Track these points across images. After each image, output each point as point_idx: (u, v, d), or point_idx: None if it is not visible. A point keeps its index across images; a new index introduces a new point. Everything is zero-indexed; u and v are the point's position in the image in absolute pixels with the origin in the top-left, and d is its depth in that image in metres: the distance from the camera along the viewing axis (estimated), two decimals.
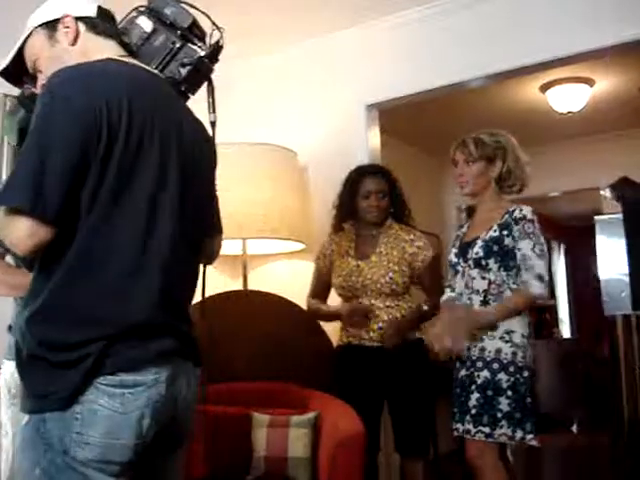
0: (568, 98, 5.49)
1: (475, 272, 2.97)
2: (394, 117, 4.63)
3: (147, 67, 1.80)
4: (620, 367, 5.04)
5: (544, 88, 5.47)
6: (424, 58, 4.06)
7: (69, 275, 1.56)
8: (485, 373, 2.86)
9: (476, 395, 2.86)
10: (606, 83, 5.44)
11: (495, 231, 2.95)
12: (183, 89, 1.87)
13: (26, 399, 1.60)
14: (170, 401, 1.64)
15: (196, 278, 1.86)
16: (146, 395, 1.56)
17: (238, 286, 4.16)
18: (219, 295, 3.71)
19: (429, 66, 4.03)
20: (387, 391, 3.40)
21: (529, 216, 2.92)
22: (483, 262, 2.95)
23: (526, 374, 2.85)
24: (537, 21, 3.73)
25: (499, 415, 2.81)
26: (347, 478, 2.88)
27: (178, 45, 1.84)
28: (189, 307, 1.82)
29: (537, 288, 2.86)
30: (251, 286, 4.06)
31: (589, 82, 5.39)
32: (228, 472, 3.12)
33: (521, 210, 2.94)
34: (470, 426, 2.86)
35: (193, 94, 1.93)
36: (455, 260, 3.11)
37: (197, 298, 3.38)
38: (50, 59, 1.78)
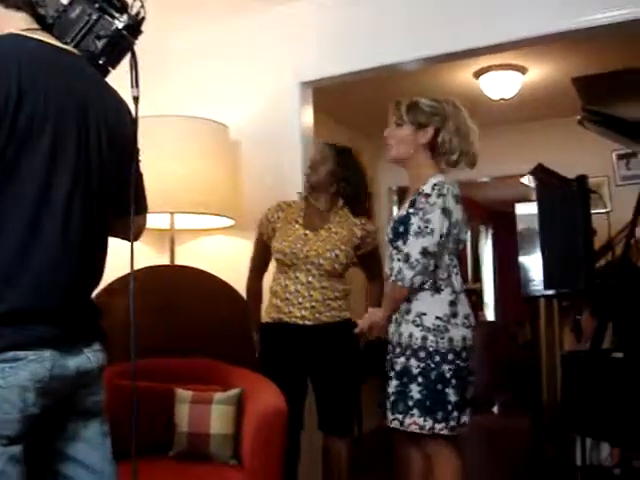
0: (501, 85, 5.56)
1: (393, 253, 2.90)
2: (328, 96, 4.62)
3: (55, 42, 1.73)
4: (541, 351, 5.14)
5: (477, 74, 5.52)
6: (360, 38, 4.04)
7: None
8: (401, 359, 2.78)
9: (395, 382, 2.80)
10: (539, 71, 5.52)
11: (405, 209, 2.87)
12: (101, 62, 1.81)
13: None
14: (60, 377, 1.62)
15: (101, 260, 1.83)
16: (29, 369, 1.54)
17: (165, 261, 4.10)
18: (145, 269, 3.66)
19: (365, 46, 4.02)
20: (312, 368, 3.40)
21: (426, 190, 2.78)
22: (394, 243, 2.88)
23: (437, 359, 2.71)
24: (472, 7, 3.75)
25: (410, 403, 2.73)
26: (269, 455, 2.89)
27: (95, 17, 1.78)
28: (90, 289, 1.80)
29: (408, 275, 2.72)
30: (178, 261, 4.02)
31: (522, 70, 5.46)
32: (150, 448, 3.08)
33: (425, 184, 2.80)
34: (389, 413, 2.81)
35: (114, 68, 1.87)
36: (385, 239, 3.02)
37: (121, 272, 3.31)
38: None
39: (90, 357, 1.73)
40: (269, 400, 3.01)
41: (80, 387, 1.72)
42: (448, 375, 2.71)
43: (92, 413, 1.81)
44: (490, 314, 10.82)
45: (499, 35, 3.68)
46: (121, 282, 3.49)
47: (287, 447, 2.99)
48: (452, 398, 2.70)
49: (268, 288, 3.56)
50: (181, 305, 3.57)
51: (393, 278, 2.79)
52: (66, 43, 1.76)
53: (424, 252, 2.70)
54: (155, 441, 3.11)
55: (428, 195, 2.76)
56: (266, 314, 3.50)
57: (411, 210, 2.82)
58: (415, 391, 2.71)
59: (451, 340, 2.73)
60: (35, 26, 1.73)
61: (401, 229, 2.84)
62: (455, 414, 2.71)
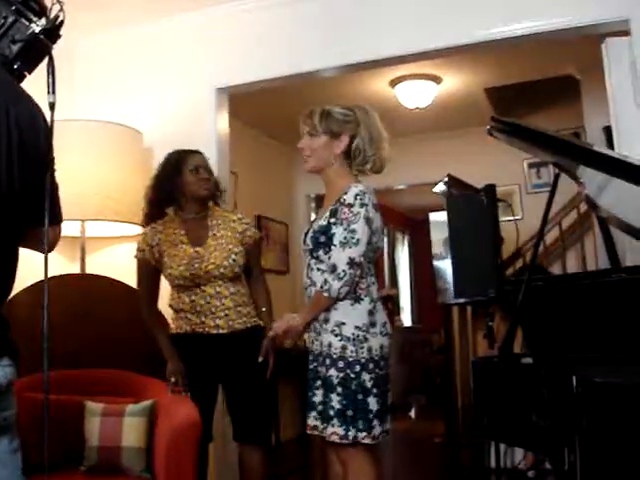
0: (415, 94, 5.65)
1: (313, 263, 2.86)
2: (245, 102, 4.61)
3: None
4: (455, 356, 5.23)
5: (393, 83, 5.60)
6: (277, 45, 4.04)
7: None
8: (322, 369, 2.76)
9: (321, 391, 2.76)
10: (453, 81, 5.63)
11: (325, 219, 2.81)
12: (16, 67, 1.74)
13: None
14: None
15: (11, 271, 1.77)
16: None
17: (76, 269, 4.01)
18: (55, 278, 3.56)
19: (281, 53, 4.03)
20: (225, 377, 3.35)
21: (348, 200, 2.73)
22: (314, 254, 2.84)
23: (357, 369, 2.67)
24: (389, 17, 3.79)
25: (331, 413, 2.69)
26: (181, 467, 2.84)
27: (10, 20, 1.71)
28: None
29: (335, 285, 2.68)
30: (89, 270, 3.92)
31: (436, 80, 5.56)
32: (60, 462, 3.00)
33: (346, 193, 2.75)
34: (318, 422, 2.77)
35: (29, 73, 1.80)
36: (302, 247, 2.97)
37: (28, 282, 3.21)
38: None
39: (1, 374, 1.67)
40: (182, 412, 2.96)
41: None
42: (369, 384, 2.69)
43: (1, 429, 1.76)
44: (407, 319, 10.97)
45: (414, 45, 3.74)
46: (27, 292, 3.38)
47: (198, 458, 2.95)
48: (373, 407, 2.69)
49: (165, 306, 3.46)
50: (92, 315, 3.49)
51: (319, 289, 2.75)
52: None
53: (351, 263, 2.68)
54: (65, 455, 3.02)
55: (351, 205, 2.72)
56: (176, 327, 3.39)
57: (332, 220, 2.78)
58: (335, 401, 2.69)
59: (370, 349, 2.70)
60: None
61: (322, 239, 2.79)
62: (376, 422, 2.70)
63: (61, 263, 4.18)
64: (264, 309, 3.38)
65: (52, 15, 1.77)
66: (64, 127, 3.71)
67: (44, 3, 1.79)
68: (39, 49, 1.76)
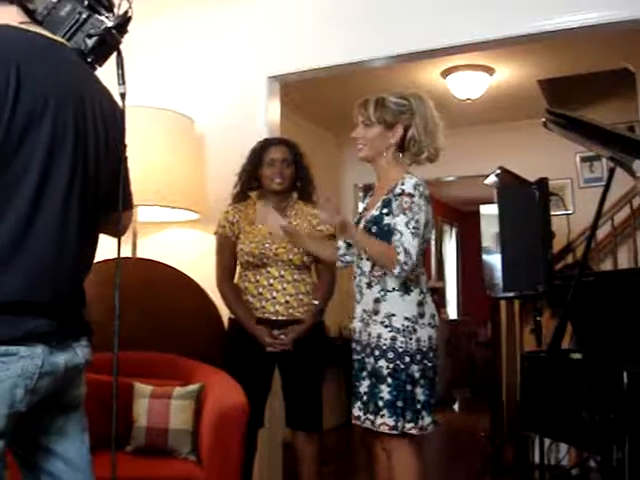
0: (467, 85, 5.59)
1: (362, 252, 2.85)
2: (295, 91, 4.61)
3: (49, 35, 1.73)
4: (501, 351, 5.18)
5: (445, 73, 5.55)
6: (329, 33, 4.03)
7: None
8: (371, 359, 2.76)
9: (367, 382, 2.76)
10: (506, 73, 5.56)
11: (377, 209, 2.80)
12: (89, 60, 1.82)
13: None
14: (50, 373, 1.62)
15: (92, 253, 1.85)
16: (20, 365, 1.54)
17: (127, 254, 4.06)
18: (106, 262, 3.62)
19: (333, 42, 4.01)
20: (282, 364, 3.39)
21: (408, 190, 2.71)
22: None
23: (407, 360, 2.67)
24: (442, 6, 3.76)
25: (380, 404, 2.69)
26: (227, 452, 2.87)
27: (84, 15, 1.79)
28: (81, 284, 1.80)
29: (401, 258, 2.63)
30: (140, 254, 3.97)
31: (489, 71, 5.50)
32: (108, 442, 3.05)
33: (403, 184, 2.73)
34: (360, 413, 2.78)
35: (100, 66, 1.88)
36: None
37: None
38: None
39: (78, 352, 1.73)
40: (229, 396, 2.99)
41: (67, 383, 1.72)
42: (417, 375, 2.69)
43: (73, 407, 1.82)
44: (452, 312, 10.91)
45: (467, 35, 3.69)
46: (98, 273, 3.46)
47: (246, 443, 2.98)
48: (421, 398, 2.70)
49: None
50: (143, 298, 3.53)
51: (400, 259, 2.65)
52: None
53: (420, 251, 2.71)
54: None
55: (412, 195, 2.71)
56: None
57: (385, 210, 2.77)
58: (385, 392, 2.69)
59: (419, 340, 2.70)
60: (26, 19, 1.74)
61: (374, 229, 2.78)
62: (424, 413, 2.70)
63: (113, 247, 4.24)
64: (316, 302, 3.39)
65: (119, 10, 1.86)
66: None
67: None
68: (110, 43, 1.84)
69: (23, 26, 1.70)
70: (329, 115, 6.35)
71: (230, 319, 3.48)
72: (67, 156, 1.64)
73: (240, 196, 3.57)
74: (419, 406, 2.69)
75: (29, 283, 1.56)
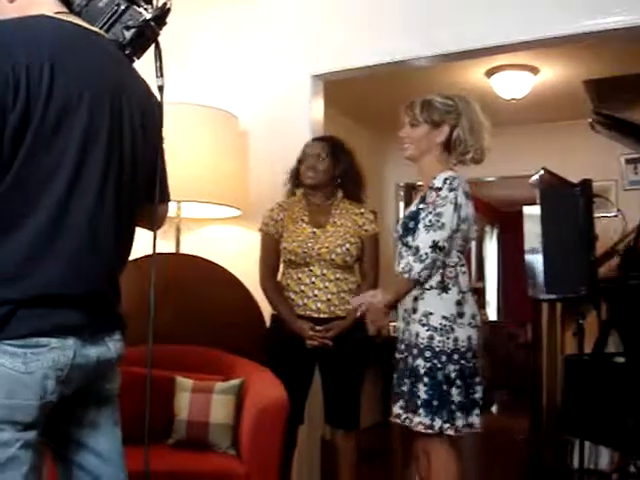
0: (512, 85, 5.55)
1: (403, 250, 2.87)
2: (338, 89, 4.60)
3: (87, 25, 1.72)
4: (542, 353, 5.13)
5: (489, 73, 5.52)
6: (373, 33, 4.03)
7: None
8: (409, 358, 2.77)
9: (408, 381, 2.77)
10: (551, 73, 5.51)
11: (415, 205, 2.85)
12: (127, 52, 1.81)
13: None
14: (81, 366, 1.62)
15: (127, 248, 1.85)
16: (51, 356, 1.54)
17: (170, 249, 4.11)
18: (150, 257, 3.66)
19: (378, 42, 4.01)
20: (322, 362, 3.41)
21: (437, 184, 2.75)
22: (403, 240, 2.86)
23: (444, 359, 2.68)
24: (486, 6, 3.73)
25: (418, 402, 2.70)
26: (267, 447, 2.89)
27: (123, 7, 1.78)
28: (116, 277, 1.80)
29: (415, 268, 2.68)
30: (183, 250, 4.02)
31: (533, 70, 5.45)
32: (149, 434, 3.09)
33: (437, 179, 2.77)
34: (401, 411, 2.79)
35: (138, 58, 1.87)
36: (394, 235, 3.01)
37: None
38: None
39: (110, 346, 1.73)
40: (270, 392, 3.01)
41: (98, 376, 1.73)
42: (453, 375, 2.69)
43: (106, 401, 1.82)
44: (492, 313, 10.83)
45: (512, 35, 3.67)
46: (128, 269, 3.50)
47: (285, 440, 3.00)
48: (456, 398, 2.69)
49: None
50: (185, 293, 3.57)
51: (400, 270, 2.76)
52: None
53: (434, 246, 2.68)
54: (154, 428, 3.10)
55: (439, 189, 2.74)
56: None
57: (421, 205, 2.81)
58: (422, 391, 2.70)
59: (456, 340, 2.70)
60: (63, 9, 1.72)
61: (411, 224, 2.82)
62: (459, 414, 2.70)
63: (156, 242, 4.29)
64: None
65: (159, 2, 1.83)
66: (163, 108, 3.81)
67: None
68: (148, 35, 1.82)
69: (59, 16, 1.68)
70: (372, 114, 6.34)
71: (272, 316, 3.51)
72: (101, 151, 1.63)
73: (288, 194, 3.61)
74: (453, 406, 2.69)
75: (60, 276, 1.56)
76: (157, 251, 3.78)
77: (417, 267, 2.70)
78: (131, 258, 3.54)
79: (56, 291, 1.55)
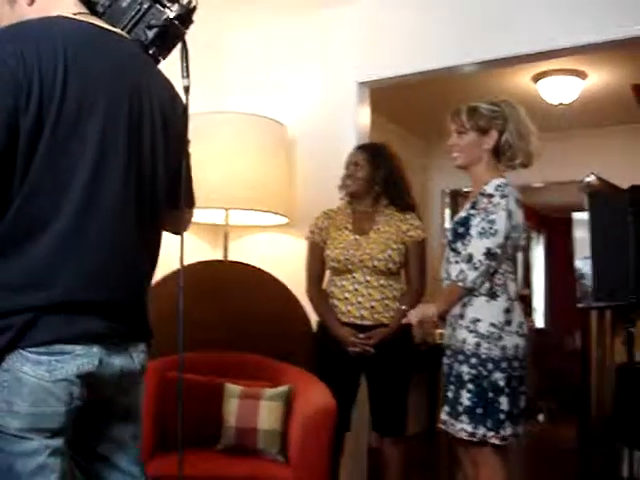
0: (560, 90, 5.50)
1: (451, 256, 2.87)
2: (384, 96, 4.61)
3: (106, 25, 1.70)
4: (591, 361, 5.07)
5: (536, 78, 5.47)
6: (419, 40, 4.02)
7: (2, 244, 1.51)
8: (455, 364, 2.77)
9: (452, 387, 2.77)
10: (598, 77, 5.45)
11: (465, 211, 2.84)
12: (151, 52, 1.79)
13: None
14: (106, 374, 1.61)
15: (153, 253, 1.80)
16: (76, 363, 1.53)
17: (218, 256, 4.15)
18: (198, 264, 3.71)
19: (423, 48, 4.00)
20: (368, 370, 3.41)
21: (489, 191, 2.75)
22: (452, 245, 2.85)
23: (490, 367, 2.66)
24: (532, 11, 3.70)
25: (460, 409, 2.70)
26: (316, 453, 2.91)
27: (146, 6, 1.76)
28: (143, 285, 1.76)
29: (470, 276, 2.68)
30: (231, 257, 4.05)
31: (581, 75, 5.39)
32: (198, 441, 3.12)
33: (489, 185, 2.77)
34: (447, 417, 2.78)
35: (164, 58, 1.85)
36: (442, 241, 3.01)
37: (174, 266, 3.33)
38: (12, 22, 1.66)
39: (134, 358, 1.70)
40: (318, 399, 3.03)
41: (122, 389, 1.70)
42: (501, 384, 2.67)
43: (128, 415, 1.79)
44: (539, 321, 10.70)
45: (559, 40, 3.63)
46: (174, 275, 3.55)
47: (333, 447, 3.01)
48: (505, 407, 2.67)
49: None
50: (233, 300, 3.61)
51: (454, 278, 2.75)
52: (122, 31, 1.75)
53: (488, 253, 2.67)
54: (203, 434, 3.14)
55: (491, 196, 2.73)
56: None
57: (472, 211, 2.80)
58: (465, 398, 2.69)
59: (504, 348, 2.68)
60: (84, 10, 1.70)
61: (460, 230, 2.82)
62: (507, 424, 2.67)
63: (204, 249, 4.35)
64: (403, 307, 3.32)
65: (184, 1, 1.79)
66: (211, 118, 3.87)
67: None
68: (173, 34, 1.79)
69: (78, 17, 1.65)
70: (418, 120, 6.33)
71: (319, 323, 3.52)
72: (120, 153, 1.60)
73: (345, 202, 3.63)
74: (502, 415, 2.67)
75: (83, 283, 1.53)
76: (205, 259, 3.84)
77: (471, 275, 2.69)
78: (178, 266, 3.59)
79: (79, 298, 1.53)
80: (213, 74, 4.51)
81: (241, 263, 3.85)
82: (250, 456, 3.08)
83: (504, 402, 2.67)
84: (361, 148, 3.62)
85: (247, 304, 3.60)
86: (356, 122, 4.20)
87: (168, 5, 1.77)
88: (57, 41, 1.53)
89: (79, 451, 1.71)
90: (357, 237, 3.44)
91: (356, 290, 3.38)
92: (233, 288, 3.65)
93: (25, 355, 1.48)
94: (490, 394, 2.66)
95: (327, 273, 3.57)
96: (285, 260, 4.11)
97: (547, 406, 8.63)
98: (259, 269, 3.74)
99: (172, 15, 1.77)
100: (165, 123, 1.74)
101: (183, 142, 1.82)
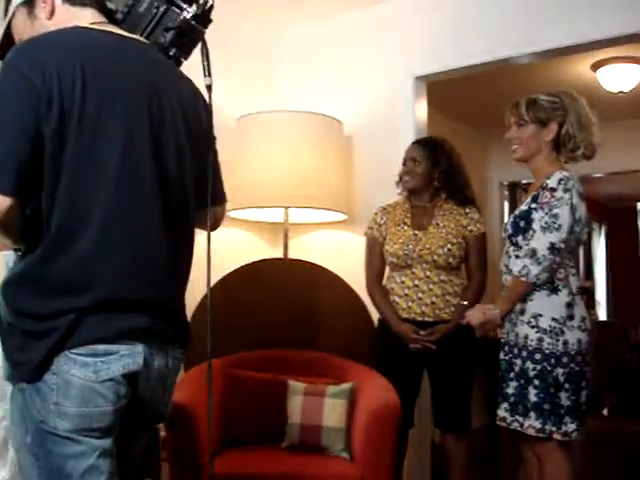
0: (619, 78, 5.39)
1: (511, 250, 2.84)
2: (440, 90, 4.58)
3: (122, 32, 1.75)
4: None
5: (595, 67, 5.37)
6: (475, 32, 3.98)
7: (43, 247, 1.56)
8: (518, 361, 2.74)
9: (514, 383, 2.75)
10: None
11: (527, 204, 2.81)
12: (172, 54, 1.83)
13: (8, 367, 1.62)
14: (149, 374, 1.65)
15: (187, 252, 1.83)
16: (121, 363, 1.57)
17: (278, 254, 4.17)
18: (259, 262, 3.74)
19: (479, 40, 3.96)
20: (430, 366, 3.40)
21: (551, 184, 2.71)
22: (513, 239, 2.82)
23: (553, 362, 2.64)
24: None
25: (528, 405, 2.68)
26: (380, 450, 2.90)
27: (162, 9, 1.80)
28: (180, 285, 1.79)
29: (533, 271, 2.65)
30: (292, 254, 4.07)
31: None
32: (263, 438, 3.15)
33: (549, 178, 2.73)
34: (507, 414, 2.77)
35: (185, 59, 1.89)
36: (502, 235, 2.96)
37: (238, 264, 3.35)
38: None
39: (170, 362, 1.74)
40: (382, 396, 3.02)
41: (157, 392, 1.73)
42: (562, 379, 2.65)
43: (153, 417, 1.82)
44: (602, 313, 10.52)
45: (618, 28, 3.55)
46: (238, 274, 3.59)
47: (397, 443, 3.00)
48: (565, 403, 2.65)
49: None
50: (294, 297, 3.64)
51: (516, 274, 2.72)
52: (141, 36, 1.79)
53: (552, 248, 2.64)
54: (267, 431, 3.17)
55: (554, 189, 2.69)
56: None
57: (533, 205, 2.76)
58: (532, 394, 2.67)
59: (566, 343, 2.66)
60: (102, 20, 1.76)
61: (522, 224, 2.78)
62: (568, 419, 2.65)
63: (265, 248, 4.38)
64: (464, 302, 3.30)
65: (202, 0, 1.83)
66: (267, 118, 3.90)
67: None
68: (192, 35, 1.83)
69: (94, 26, 1.71)
70: (474, 113, 6.27)
71: (380, 320, 3.51)
72: (144, 154, 1.64)
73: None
74: (562, 411, 2.65)
75: (119, 282, 1.58)
76: (266, 257, 3.86)
77: (535, 270, 2.66)
78: (239, 265, 3.65)
79: (117, 296, 1.57)
80: (264, 73, 4.54)
81: (301, 261, 3.87)
82: (315, 453, 3.09)
83: (564, 398, 2.65)
84: (419, 143, 3.59)
85: (308, 301, 3.63)
86: (413, 117, 4.17)
87: (184, 7, 1.80)
88: (74, 49, 1.60)
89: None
90: (416, 232, 3.42)
91: (416, 286, 3.36)
92: (294, 285, 3.68)
93: (72, 358, 1.53)
94: (552, 389, 2.65)
95: (387, 269, 3.56)
96: (345, 257, 4.11)
97: (611, 399, 8.49)
98: (319, 266, 3.75)
99: (189, 16, 1.80)
100: (187, 123, 1.78)
101: (208, 141, 1.85)
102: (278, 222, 4.16)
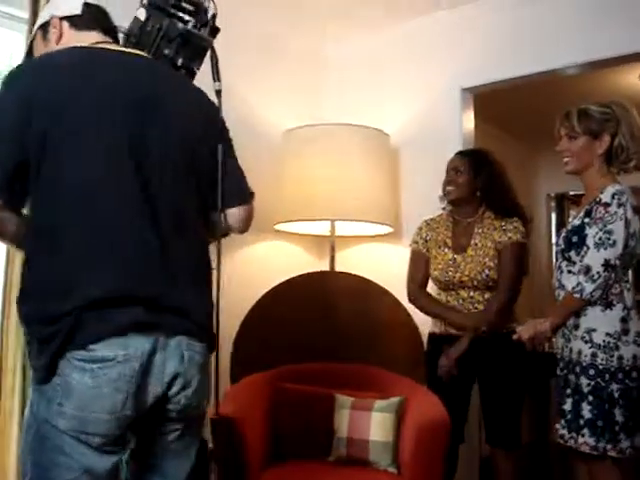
0: None
1: (564, 265, 2.80)
2: (487, 101, 4.55)
3: (122, 49, 1.85)
4: None
5: None
6: (521, 43, 3.96)
7: (35, 252, 1.64)
8: (572, 376, 2.71)
9: (570, 399, 2.70)
10: None
11: (579, 219, 2.76)
12: (180, 64, 1.91)
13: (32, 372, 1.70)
14: (152, 377, 1.66)
15: (194, 248, 1.85)
16: (117, 370, 1.59)
17: (325, 267, 4.18)
18: (306, 275, 3.74)
19: (526, 51, 3.94)
20: (480, 380, 3.36)
21: (605, 199, 2.65)
22: (566, 254, 2.78)
23: (607, 378, 2.59)
24: (634, 9, 3.58)
25: (581, 422, 2.64)
26: (429, 466, 2.88)
27: (165, 23, 1.89)
28: (186, 277, 1.79)
29: (587, 288, 2.60)
30: (338, 267, 4.07)
31: None
32: (310, 452, 3.14)
33: (602, 192, 2.68)
34: (565, 431, 2.72)
35: (198, 68, 1.97)
36: (555, 249, 2.94)
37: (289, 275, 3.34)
38: None
39: (186, 355, 1.74)
40: (431, 411, 2.99)
41: (170, 389, 1.73)
42: (616, 395, 2.60)
43: (185, 421, 1.83)
44: None
45: None
46: (285, 287, 3.60)
47: (446, 459, 2.97)
48: (619, 419, 2.60)
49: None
50: (341, 310, 3.63)
51: (570, 290, 2.69)
52: (150, 53, 1.89)
53: (606, 265, 2.60)
54: (315, 445, 3.16)
55: (607, 204, 2.65)
56: (433, 324, 3.49)
57: (587, 220, 2.72)
58: (586, 410, 2.63)
59: (621, 358, 2.61)
60: (106, 40, 1.87)
61: (574, 239, 2.74)
62: (622, 436, 2.60)
63: (311, 261, 4.39)
64: (484, 329, 3.25)
65: (209, 9, 1.93)
66: (313, 131, 3.91)
67: (198, 1, 1.94)
68: (198, 44, 1.92)
69: (97, 45, 1.81)
70: (522, 124, 6.22)
71: (430, 335, 3.49)
72: (125, 169, 1.69)
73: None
74: (617, 427, 2.60)
75: (112, 281, 1.62)
76: (313, 270, 3.85)
77: (589, 287, 2.63)
78: (286, 278, 3.66)
79: (113, 294, 1.60)
80: (314, 86, 4.56)
81: (348, 273, 3.86)
82: (362, 467, 3.06)
83: (618, 414, 2.60)
84: (461, 153, 3.58)
85: (355, 314, 3.61)
86: (460, 129, 4.16)
87: (187, 19, 1.90)
88: (65, 67, 1.71)
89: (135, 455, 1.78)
90: (455, 257, 3.38)
91: (461, 305, 3.36)
92: (341, 298, 3.67)
93: (73, 363, 1.58)
94: (606, 405, 2.60)
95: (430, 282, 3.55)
96: (391, 269, 4.08)
97: None
98: (366, 279, 3.74)
99: (189, 25, 1.90)
100: (196, 130, 1.85)
101: (216, 145, 1.89)
102: (325, 235, 4.17)
